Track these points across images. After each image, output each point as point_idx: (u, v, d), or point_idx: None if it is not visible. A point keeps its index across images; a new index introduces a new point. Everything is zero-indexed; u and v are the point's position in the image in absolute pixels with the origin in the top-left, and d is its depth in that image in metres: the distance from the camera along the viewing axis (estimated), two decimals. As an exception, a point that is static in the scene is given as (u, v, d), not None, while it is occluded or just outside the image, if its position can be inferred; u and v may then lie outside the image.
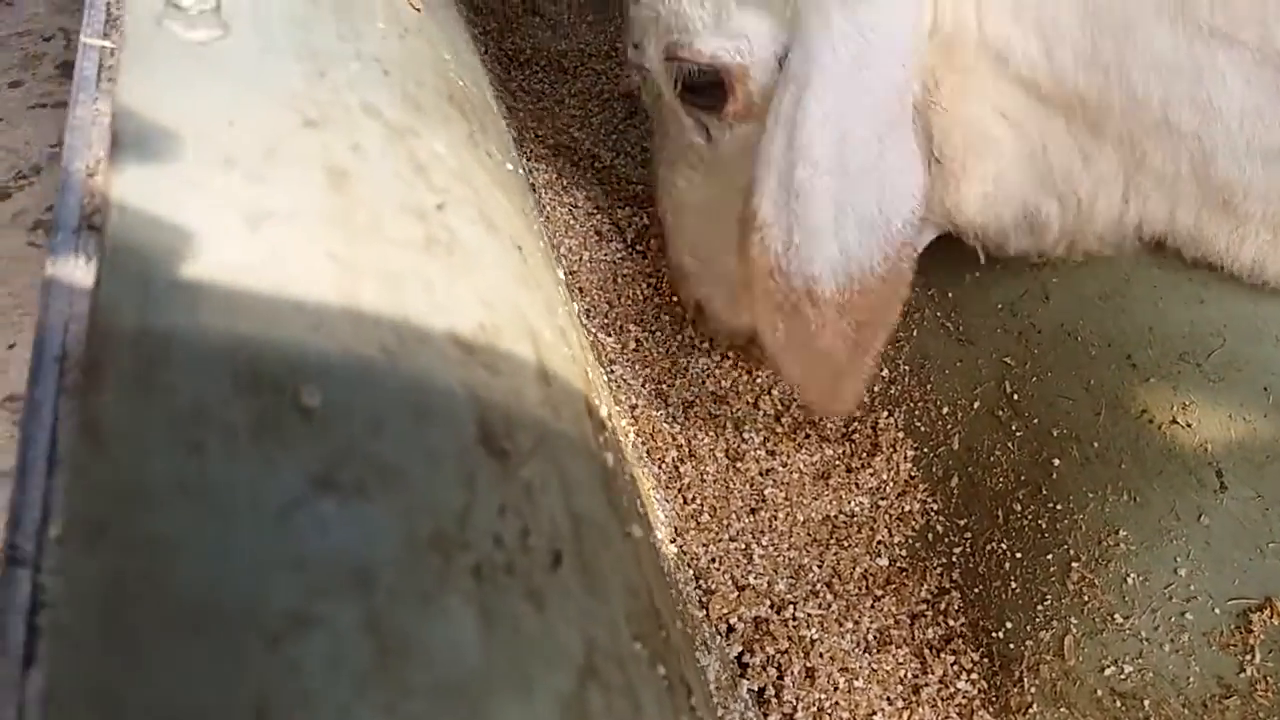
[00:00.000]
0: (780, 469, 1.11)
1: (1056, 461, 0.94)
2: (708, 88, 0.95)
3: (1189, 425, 0.85)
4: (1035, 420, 0.96)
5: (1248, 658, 0.86)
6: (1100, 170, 0.90)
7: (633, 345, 1.22)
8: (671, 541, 1.00)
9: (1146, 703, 0.88)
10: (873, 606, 1.03)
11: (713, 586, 1.00)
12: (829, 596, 1.04)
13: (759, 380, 1.23)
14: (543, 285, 0.59)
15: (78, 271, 0.47)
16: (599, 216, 1.31)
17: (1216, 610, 0.87)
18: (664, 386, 1.20)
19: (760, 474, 1.11)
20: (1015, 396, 0.98)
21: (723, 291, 1.12)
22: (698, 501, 1.08)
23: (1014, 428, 0.98)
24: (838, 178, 0.84)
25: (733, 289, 1.06)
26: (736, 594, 1.01)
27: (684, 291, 1.21)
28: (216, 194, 0.39)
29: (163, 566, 0.29)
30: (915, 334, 1.09)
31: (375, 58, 0.54)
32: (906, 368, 1.09)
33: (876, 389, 1.12)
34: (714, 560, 1.03)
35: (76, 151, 0.52)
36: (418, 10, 0.67)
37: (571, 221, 1.29)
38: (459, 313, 0.45)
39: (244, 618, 0.29)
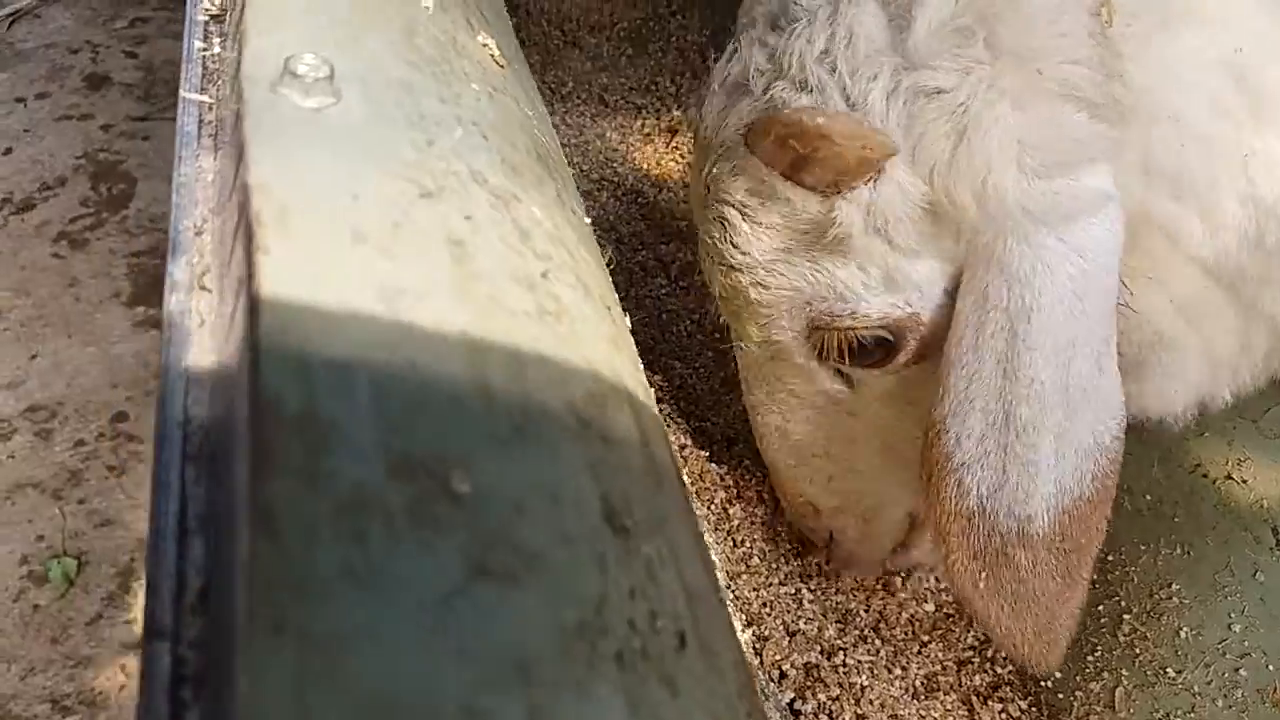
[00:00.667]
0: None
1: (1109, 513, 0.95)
2: (869, 346, 0.91)
3: (1244, 481, 0.86)
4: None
5: (1301, 714, 0.86)
6: (1254, 348, 0.86)
7: (677, 382, 1.23)
8: (726, 586, 1.00)
9: (1197, 757, 0.88)
10: (920, 652, 1.03)
11: (766, 633, 1.00)
12: (877, 642, 1.04)
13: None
14: (628, 342, 0.60)
15: (193, 332, 0.48)
16: (644, 252, 1.32)
17: (1270, 667, 0.88)
18: (707, 424, 1.21)
19: (807, 516, 1.12)
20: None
21: (858, 525, 1.07)
22: (748, 545, 1.08)
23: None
24: (1063, 409, 0.80)
25: (870, 523, 1.01)
26: (788, 640, 1.02)
27: (813, 524, 1.12)
28: (353, 272, 0.40)
29: (341, 660, 0.30)
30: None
31: (474, 121, 0.55)
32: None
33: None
34: (765, 605, 1.03)
35: (184, 210, 0.53)
36: (501, 68, 0.68)
37: (617, 257, 1.31)
38: (573, 383, 0.46)
39: (422, 714, 0.30)
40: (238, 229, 0.42)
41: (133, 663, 2.71)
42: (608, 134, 1.57)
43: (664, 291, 1.30)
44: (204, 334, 0.46)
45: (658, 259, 1.35)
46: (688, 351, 1.26)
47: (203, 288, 0.49)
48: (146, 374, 3.14)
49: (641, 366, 0.70)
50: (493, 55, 0.66)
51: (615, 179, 1.46)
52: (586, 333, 0.50)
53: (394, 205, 0.43)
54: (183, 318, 0.47)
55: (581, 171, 1.45)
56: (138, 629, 2.75)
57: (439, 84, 0.55)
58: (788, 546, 1.09)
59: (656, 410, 0.62)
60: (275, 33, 0.47)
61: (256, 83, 0.45)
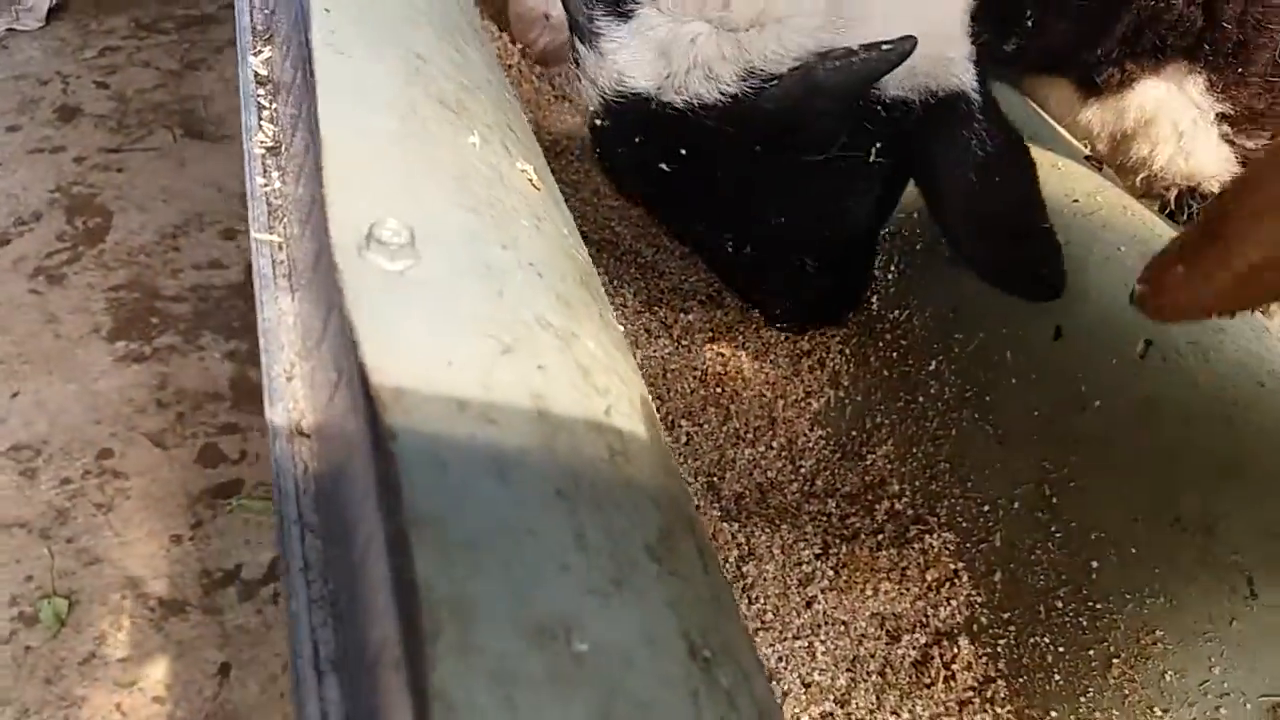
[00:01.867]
0: (832, 567, 1.18)
1: (1095, 564, 1.02)
2: None
3: (1221, 536, 0.93)
4: (1073, 523, 1.04)
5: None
6: None
7: (684, 439, 1.29)
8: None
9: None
10: (925, 694, 1.11)
11: (786, 688, 1.07)
12: (884, 687, 1.11)
13: (803, 469, 1.30)
14: (670, 456, 0.65)
15: (300, 479, 0.53)
16: (646, 314, 1.38)
17: (1248, 705, 0.95)
18: (714, 479, 1.27)
19: (813, 566, 1.18)
20: (1054, 499, 1.06)
21: None
22: (762, 600, 1.15)
23: (1053, 529, 1.06)
24: None
25: None
26: (804, 692, 1.09)
27: None
28: (463, 445, 0.45)
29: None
30: (954, 433, 1.17)
31: (530, 262, 0.60)
32: (946, 465, 1.17)
33: (917, 483, 1.19)
34: (782, 660, 1.10)
35: (273, 356, 0.57)
36: (539, 190, 0.73)
37: (621, 321, 1.36)
38: (647, 524, 0.51)
39: None
40: (353, 402, 0.47)
41: (128, 700, 2.72)
42: (602, 190, 1.63)
43: (667, 351, 1.36)
44: (310, 479, 0.51)
45: (660, 320, 1.41)
46: (693, 409, 1.32)
47: (301, 433, 0.53)
48: (130, 410, 3.15)
49: (678, 469, 0.75)
50: (531, 180, 0.71)
51: (614, 239, 1.51)
52: (647, 465, 0.55)
53: (482, 368, 0.49)
54: (288, 464, 0.52)
55: (580, 233, 1.50)
56: (131, 667, 2.76)
57: (498, 228, 0.60)
58: (797, 599, 1.15)
59: (701, 519, 0.67)
60: (355, 198, 0.52)
61: (346, 249, 0.50)
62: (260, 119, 0.70)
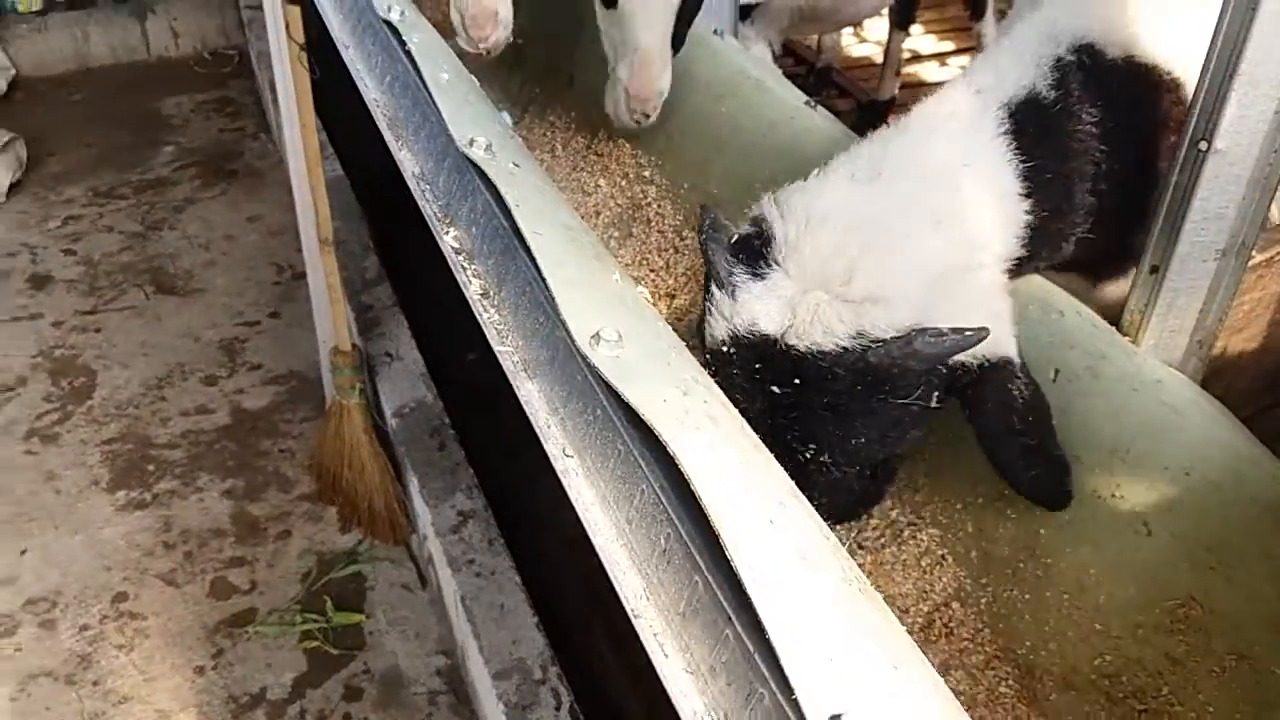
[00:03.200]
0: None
1: (1041, 530, 1.40)
2: None
3: (1123, 496, 1.31)
4: (1021, 505, 1.41)
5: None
6: None
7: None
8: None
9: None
10: (933, 647, 1.45)
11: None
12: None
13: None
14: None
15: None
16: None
17: (1157, 610, 1.30)
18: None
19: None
20: (1005, 490, 1.43)
21: None
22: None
23: (1008, 511, 1.43)
24: None
25: None
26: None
27: None
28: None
29: None
30: (926, 454, 1.54)
31: (669, 346, 0.97)
32: (924, 479, 1.54)
33: (904, 495, 1.56)
34: None
35: (535, 414, 0.92)
36: (650, 300, 1.10)
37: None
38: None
39: None
40: (613, 419, 0.82)
41: (171, 834, 2.88)
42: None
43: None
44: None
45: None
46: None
47: (566, 454, 0.88)
48: (139, 553, 3.36)
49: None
50: (646, 297, 1.09)
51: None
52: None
53: (678, 404, 0.84)
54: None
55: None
56: (169, 799, 2.93)
57: (648, 328, 0.96)
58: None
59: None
60: (578, 315, 0.89)
61: (583, 345, 0.87)
62: (469, 275, 1.06)
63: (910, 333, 1.26)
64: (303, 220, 3.40)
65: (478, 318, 1.06)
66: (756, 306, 1.32)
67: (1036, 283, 1.52)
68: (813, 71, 3.97)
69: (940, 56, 4.22)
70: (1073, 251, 1.55)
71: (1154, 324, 1.42)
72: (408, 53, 1.35)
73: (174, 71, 5.92)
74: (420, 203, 1.23)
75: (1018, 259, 1.46)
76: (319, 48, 1.91)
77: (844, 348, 1.28)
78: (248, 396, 3.89)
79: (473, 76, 1.57)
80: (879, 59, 4.10)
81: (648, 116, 2.05)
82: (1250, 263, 1.36)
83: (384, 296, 3.71)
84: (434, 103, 1.25)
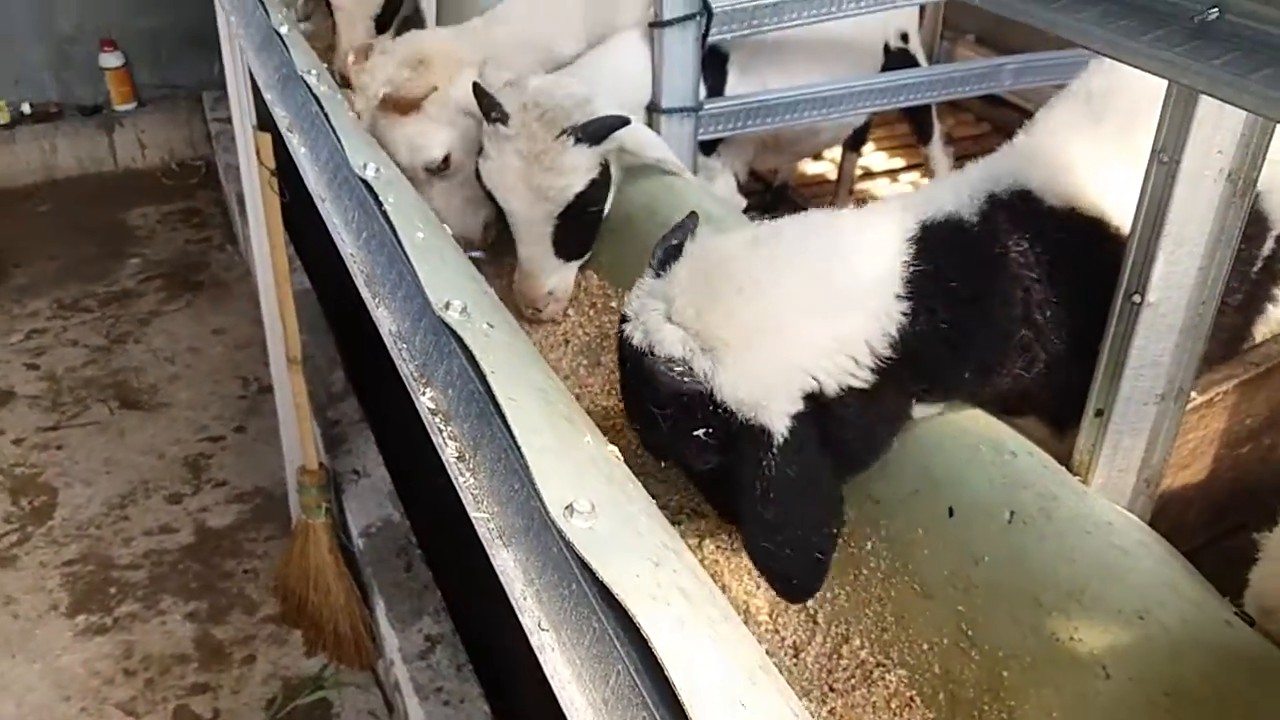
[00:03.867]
0: (829, 710, 1.57)
1: (1005, 673, 1.44)
2: None
3: (1081, 639, 1.36)
4: (986, 646, 1.46)
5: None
6: None
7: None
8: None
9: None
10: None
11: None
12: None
13: (786, 639, 1.70)
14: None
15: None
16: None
17: None
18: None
19: (812, 710, 1.56)
20: (969, 632, 1.48)
21: None
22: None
23: (972, 653, 1.48)
24: None
25: None
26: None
27: None
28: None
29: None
30: (892, 594, 1.60)
31: (640, 511, 1.02)
32: (891, 619, 1.59)
33: (872, 635, 1.60)
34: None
35: (511, 585, 0.97)
36: (619, 459, 1.15)
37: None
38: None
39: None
40: (589, 598, 0.86)
41: None
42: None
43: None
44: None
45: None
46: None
47: (542, 630, 0.93)
48: (98, 681, 3.31)
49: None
50: (615, 455, 1.14)
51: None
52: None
53: (650, 577, 0.89)
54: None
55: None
56: None
57: (620, 493, 1.01)
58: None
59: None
60: (551, 485, 0.95)
61: (557, 516, 0.92)
62: (445, 438, 1.11)
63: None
64: (271, 339, 3.44)
65: (453, 481, 1.10)
66: (643, 313, 1.53)
67: (987, 423, 1.60)
68: (770, 190, 4.12)
69: (892, 173, 4.39)
70: (1005, 388, 1.61)
71: (1102, 465, 1.49)
72: (383, 211, 1.42)
73: (141, 182, 6.01)
74: (397, 361, 1.29)
75: (899, 369, 1.51)
76: (288, 171, 1.99)
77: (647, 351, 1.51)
78: (212, 514, 3.88)
79: (447, 229, 1.65)
80: (833, 175, 4.26)
81: (541, 310, 2.21)
82: (1191, 404, 1.45)
83: (351, 412, 3.74)
84: (409, 263, 1.32)
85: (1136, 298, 1.36)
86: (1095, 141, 1.63)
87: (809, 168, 4.52)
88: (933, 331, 1.52)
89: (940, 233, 1.56)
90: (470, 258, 2.54)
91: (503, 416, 1.06)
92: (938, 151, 3.57)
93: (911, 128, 3.76)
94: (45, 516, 3.84)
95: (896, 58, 3.07)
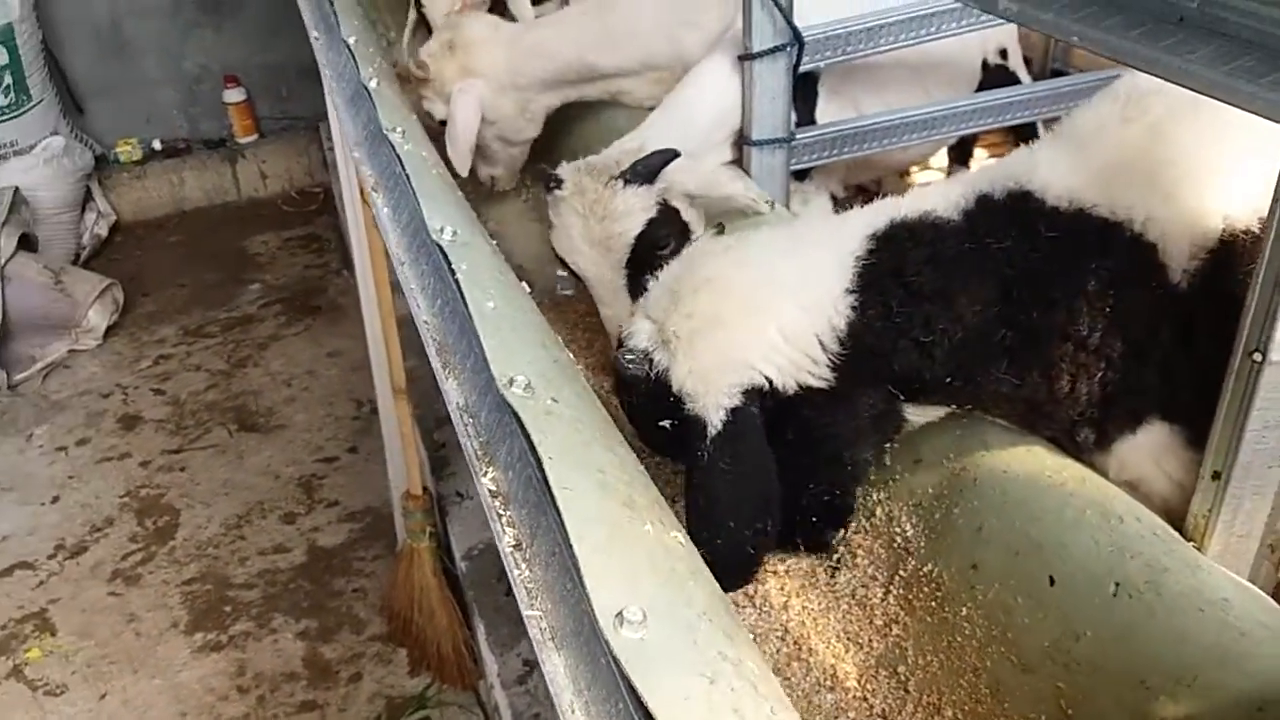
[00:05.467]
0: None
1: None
2: None
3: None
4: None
5: None
6: None
7: (768, 689, 1.60)
8: None
9: None
10: None
11: None
12: None
13: (875, 707, 1.61)
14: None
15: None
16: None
17: None
18: (798, 721, 1.57)
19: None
20: (1069, 711, 1.37)
21: None
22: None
23: (1075, 729, 1.38)
24: None
25: None
26: None
27: None
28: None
29: None
30: (988, 664, 1.50)
31: (702, 612, 0.96)
32: (986, 691, 1.49)
33: (965, 708, 1.51)
34: None
35: (559, 695, 0.92)
36: (684, 545, 1.09)
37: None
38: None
39: None
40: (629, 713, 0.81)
41: None
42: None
43: (754, 618, 1.69)
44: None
45: (743, 593, 1.76)
46: (779, 664, 1.64)
47: None
48: (213, 698, 3.40)
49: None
50: (680, 542, 1.08)
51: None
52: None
53: (704, 700, 0.83)
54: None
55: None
56: None
57: (680, 595, 0.96)
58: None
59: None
60: (603, 588, 0.89)
61: (606, 625, 0.86)
62: (503, 524, 1.07)
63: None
64: (376, 369, 3.49)
65: (508, 573, 1.05)
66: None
67: (1095, 485, 1.47)
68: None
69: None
70: (1003, 394, 1.53)
71: (1220, 530, 1.36)
72: (456, 278, 1.38)
73: (262, 210, 6.21)
74: (461, 438, 1.25)
75: (861, 366, 1.50)
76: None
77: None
78: (323, 534, 3.95)
79: (525, 290, 1.60)
80: (941, 189, 4.10)
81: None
82: (1320, 469, 1.30)
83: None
84: (477, 334, 1.28)
85: (1257, 356, 1.23)
86: (1120, 142, 1.51)
87: (917, 176, 4.36)
88: (889, 327, 1.48)
89: (908, 229, 1.52)
90: (561, 294, 2.51)
91: (556, 508, 1.01)
92: (1048, 130, 3.39)
93: (1016, 144, 3.58)
94: (168, 536, 3.98)
95: (995, 75, 2.91)
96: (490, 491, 1.15)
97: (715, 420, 1.48)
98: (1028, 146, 1.59)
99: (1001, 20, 1.41)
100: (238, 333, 5.10)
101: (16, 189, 4.97)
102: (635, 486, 1.16)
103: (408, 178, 1.66)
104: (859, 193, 3.86)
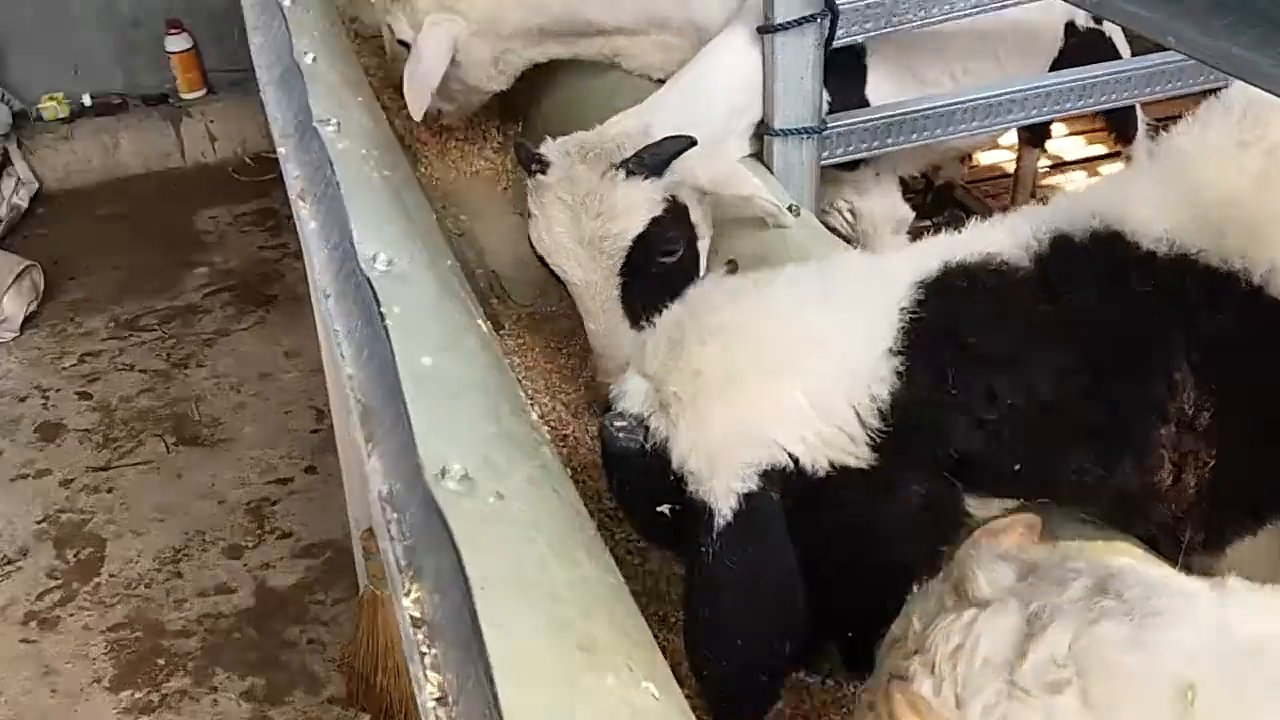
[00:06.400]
0: None
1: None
2: None
3: None
4: None
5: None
6: None
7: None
8: None
9: None
10: None
11: None
12: None
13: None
14: None
15: None
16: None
17: None
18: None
19: None
20: None
21: None
22: None
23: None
24: None
25: None
26: None
27: None
28: None
29: None
30: None
31: None
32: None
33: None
34: None
35: None
36: (658, 699, 1.00)
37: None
38: None
39: None
40: None
41: None
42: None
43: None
44: None
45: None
46: None
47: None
48: (141, 769, 3.35)
49: None
50: (653, 695, 0.99)
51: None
52: None
53: None
54: None
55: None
56: None
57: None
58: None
59: None
60: None
61: None
62: (425, 666, 0.98)
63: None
64: (330, 378, 3.41)
65: (429, 739, 0.97)
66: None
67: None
68: (930, 189, 3.86)
69: (1089, 163, 4.06)
70: (1088, 488, 1.44)
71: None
72: (385, 326, 1.30)
73: (211, 180, 6.13)
74: (380, 540, 1.16)
75: (909, 446, 1.40)
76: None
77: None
78: (274, 572, 3.90)
79: (483, 328, 1.51)
80: (1010, 167, 3.97)
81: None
82: None
83: (427, 463, 3.68)
84: (406, 405, 1.19)
85: None
86: (1237, 171, 1.40)
87: (982, 157, 4.23)
88: (944, 399, 1.39)
89: (966, 278, 1.44)
90: (544, 310, 2.40)
91: (486, 659, 0.92)
92: (1144, 151, 3.26)
93: (1108, 127, 3.43)
94: (92, 572, 3.93)
95: (1087, 41, 2.78)
96: (413, 618, 1.06)
97: (724, 509, 1.38)
98: (1118, 174, 1.49)
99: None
100: (179, 325, 5.05)
101: (-81, 153, 4.92)
102: (597, 617, 1.07)
103: (338, 186, 1.57)
104: (917, 177, 3.74)
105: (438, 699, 1.00)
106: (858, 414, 1.39)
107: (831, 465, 1.40)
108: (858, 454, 1.40)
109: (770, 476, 1.38)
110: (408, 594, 1.08)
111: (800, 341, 1.43)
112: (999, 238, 1.46)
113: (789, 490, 1.39)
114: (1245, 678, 1.01)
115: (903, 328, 1.41)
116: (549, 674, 0.93)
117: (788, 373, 1.41)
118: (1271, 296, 1.34)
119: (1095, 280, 1.40)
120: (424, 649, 1.04)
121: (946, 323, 1.41)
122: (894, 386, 1.39)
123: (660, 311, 2.01)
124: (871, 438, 1.39)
